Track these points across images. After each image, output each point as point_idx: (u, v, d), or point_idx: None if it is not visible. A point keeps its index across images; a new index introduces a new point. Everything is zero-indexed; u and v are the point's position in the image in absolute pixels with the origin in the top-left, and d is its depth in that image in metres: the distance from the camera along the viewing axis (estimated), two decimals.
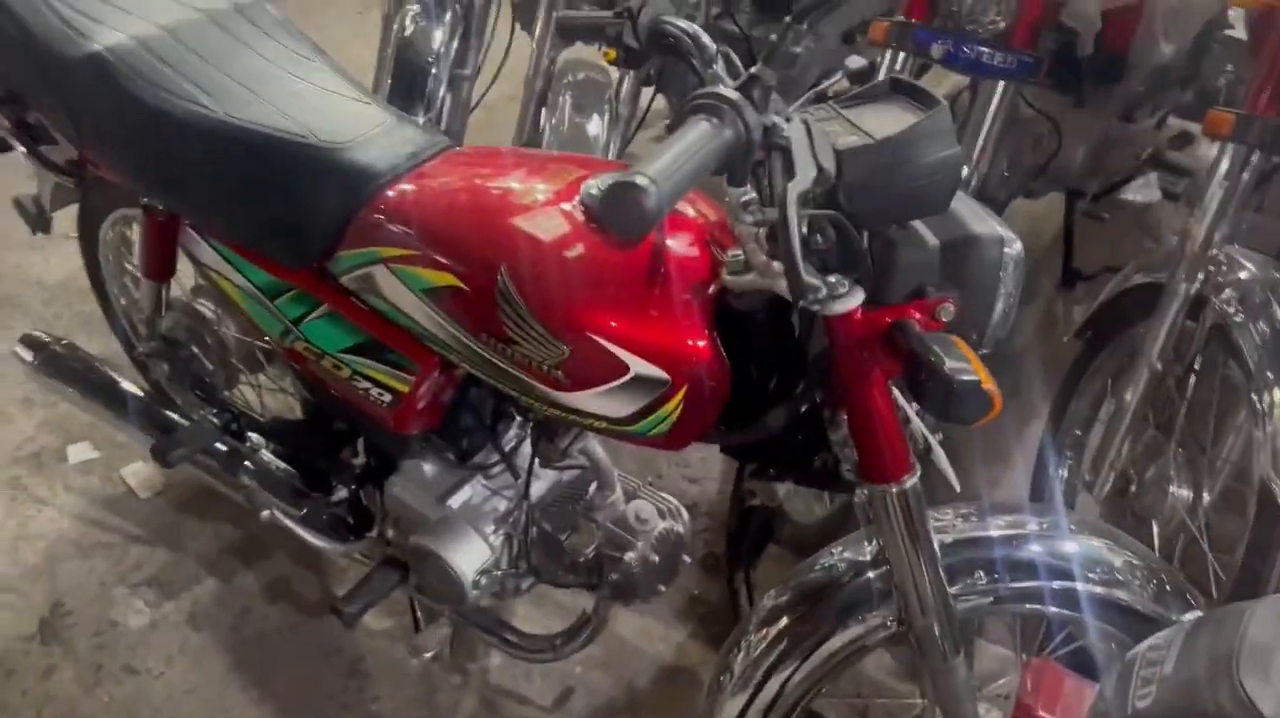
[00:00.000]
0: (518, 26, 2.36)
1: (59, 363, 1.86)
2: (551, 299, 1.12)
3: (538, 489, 1.48)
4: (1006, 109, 1.84)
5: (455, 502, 1.49)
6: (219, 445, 1.71)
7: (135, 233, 1.91)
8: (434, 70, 2.11)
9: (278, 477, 1.69)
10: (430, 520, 1.48)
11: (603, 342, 1.10)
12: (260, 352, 1.80)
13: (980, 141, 1.83)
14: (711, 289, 1.12)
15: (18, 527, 2.04)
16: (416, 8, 2.17)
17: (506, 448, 1.49)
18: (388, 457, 1.57)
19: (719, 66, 1.15)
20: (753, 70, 0.95)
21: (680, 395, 1.11)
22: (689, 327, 1.10)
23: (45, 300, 2.60)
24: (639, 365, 1.10)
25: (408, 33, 2.15)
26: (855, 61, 1.22)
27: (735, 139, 0.92)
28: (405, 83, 2.08)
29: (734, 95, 0.92)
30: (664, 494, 1.48)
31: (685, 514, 1.48)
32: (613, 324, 1.10)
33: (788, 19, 1.09)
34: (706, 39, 1.17)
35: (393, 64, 2.11)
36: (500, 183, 1.26)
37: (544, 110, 2.06)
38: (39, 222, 1.91)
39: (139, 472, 2.17)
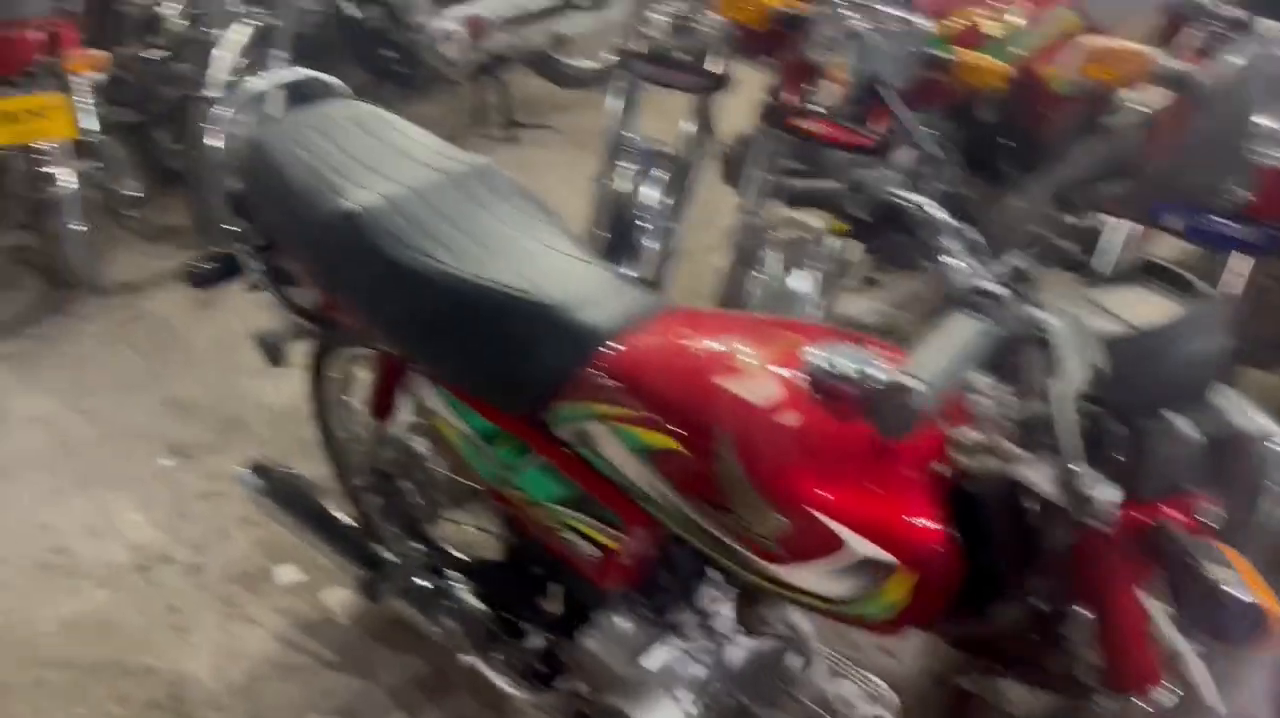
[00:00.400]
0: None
1: (282, 491, 1.96)
2: (772, 470, 1.10)
3: (735, 656, 1.44)
4: (1256, 285, 1.75)
5: (650, 662, 1.46)
6: (422, 583, 1.75)
7: (360, 372, 2.02)
8: (646, 224, 2.19)
9: (474, 617, 1.71)
10: (624, 680, 1.45)
11: (824, 517, 1.07)
12: (464, 490, 1.85)
13: None
14: (941, 468, 1.08)
15: (227, 644, 2.13)
16: (632, 168, 2.27)
17: (705, 609, 1.46)
18: (583, 607, 1.57)
19: (954, 243, 1.14)
20: (1015, 263, 0.93)
21: (904, 580, 1.05)
22: (917, 507, 1.06)
23: (268, 424, 2.77)
24: (862, 545, 1.05)
25: (624, 191, 2.24)
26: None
27: (1003, 336, 0.89)
28: (618, 235, 2.16)
29: (1001, 291, 0.90)
30: (870, 675, 1.40)
31: (894, 700, 1.39)
32: (836, 499, 1.07)
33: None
34: (938, 212, 1.16)
35: (607, 217, 2.20)
36: (720, 346, 1.26)
37: (747, 266, 2.09)
38: (276, 356, 2.05)
39: (340, 597, 2.23)
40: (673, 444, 1.18)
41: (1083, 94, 2.35)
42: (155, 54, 3.44)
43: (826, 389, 1.12)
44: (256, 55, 3.28)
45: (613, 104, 2.33)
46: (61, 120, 2.79)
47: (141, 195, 3.14)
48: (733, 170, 2.57)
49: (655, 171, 2.23)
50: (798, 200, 1.41)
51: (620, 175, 2.24)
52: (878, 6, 1.77)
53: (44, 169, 2.89)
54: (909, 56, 1.74)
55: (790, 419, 1.12)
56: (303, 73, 1.81)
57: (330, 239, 1.55)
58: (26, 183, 2.92)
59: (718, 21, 2.05)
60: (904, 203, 1.17)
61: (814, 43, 1.83)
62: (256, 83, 1.77)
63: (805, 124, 1.88)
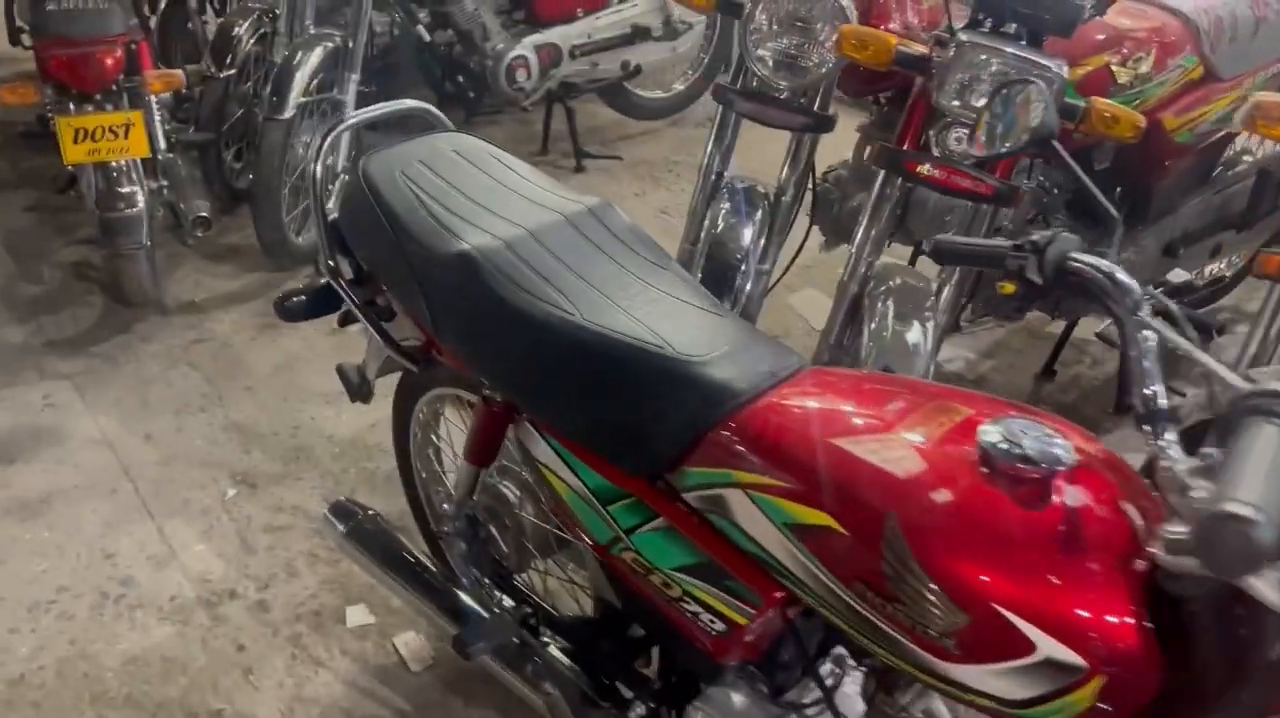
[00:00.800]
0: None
1: (365, 535, 1.88)
2: (952, 559, 1.01)
3: None
4: None
5: None
6: (512, 638, 1.67)
7: (449, 412, 1.95)
8: (743, 266, 2.11)
9: (566, 677, 1.62)
10: None
11: (1010, 615, 0.97)
12: (555, 540, 1.77)
13: None
14: (1138, 565, 0.98)
15: (295, 687, 2.05)
16: (727, 206, 2.19)
17: (830, 688, 1.36)
18: (691, 676, 1.48)
19: (1144, 312, 1.05)
20: None
21: (1094, 686, 0.96)
22: (1114, 607, 0.96)
23: (334, 455, 2.70)
24: (1050, 646, 0.96)
25: (719, 229, 2.16)
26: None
27: None
28: (715, 276, 2.09)
29: None
30: None
31: None
32: (1025, 596, 0.97)
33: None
34: (1126, 278, 1.07)
35: (703, 258, 2.12)
36: (873, 414, 1.18)
37: (855, 313, 2.00)
38: (361, 391, 1.98)
39: (411, 642, 2.15)
40: (828, 522, 1.09)
41: (1202, 145, 2.26)
42: (223, 72, 3.41)
43: (1006, 471, 1.03)
44: (329, 77, 3.25)
45: (711, 143, 2.25)
46: (137, 139, 2.76)
47: (209, 217, 3.10)
48: (824, 212, 2.50)
49: (755, 213, 2.15)
50: (954, 259, 1.32)
51: (720, 215, 2.16)
52: (1013, 50, 1.69)
53: (116, 188, 2.85)
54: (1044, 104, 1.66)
55: (968, 503, 1.03)
56: (408, 104, 1.75)
57: (441, 280, 1.48)
58: (97, 200, 2.88)
59: (828, 59, 1.97)
60: (1091, 270, 1.09)
61: (943, 87, 1.74)
62: (360, 113, 1.71)
63: (926, 170, 1.80)
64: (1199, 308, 2.51)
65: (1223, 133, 2.25)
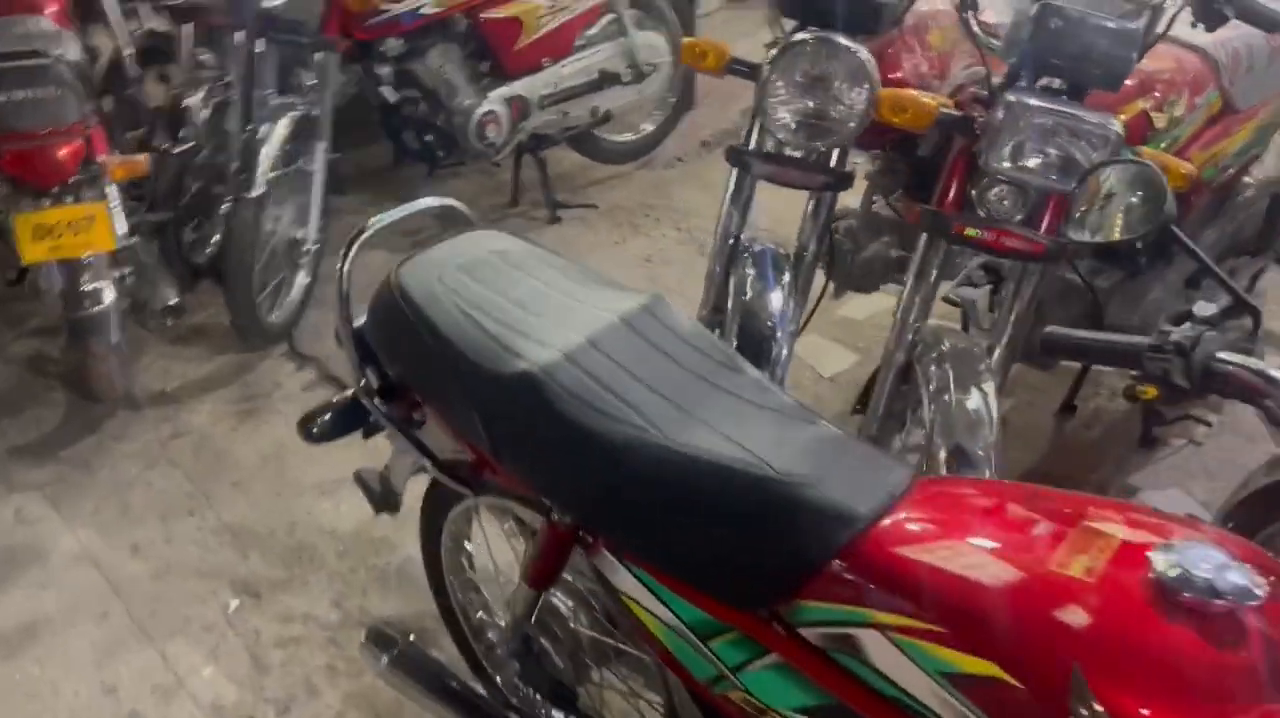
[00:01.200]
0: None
1: (409, 663, 1.75)
2: (1155, 714, 0.92)
3: None
4: None
5: None
6: None
7: (485, 517, 1.82)
8: (777, 333, 2.02)
9: None
10: None
11: None
12: (613, 652, 1.65)
13: None
14: None
15: None
16: (753, 272, 2.10)
17: None
18: None
19: None
20: None
21: None
22: None
23: (339, 553, 2.55)
24: None
25: (748, 297, 2.07)
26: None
27: None
28: (751, 348, 1.99)
29: None
30: None
31: None
32: None
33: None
34: None
35: (736, 328, 2.02)
36: (1021, 540, 1.08)
37: (902, 383, 1.92)
38: (387, 502, 1.84)
39: None
40: (995, 672, 0.99)
41: (1223, 180, 2.23)
42: (178, 147, 3.23)
43: (1191, 606, 0.94)
44: (296, 147, 3.10)
45: (727, 206, 2.15)
46: (101, 232, 2.58)
47: (180, 304, 2.93)
48: (839, 264, 2.42)
49: (777, 274, 2.06)
50: (1072, 354, 1.24)
51: (747, 282, 2.07)
52: (1068, 110, 1.62)
53: (81, 285, 2.66)
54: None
55: (1158, 647, 0.94)
56: (433, 202, 1.63)
57: (501, 402, 1.36)
58: (63, 300, 2.69)
59: (852, 118, 1.89)
60: (1244, 371, 1.01)
61: (994, 148, 1.67)
62: (386, 216, 1.58)
63: (975, 233, 1.72)
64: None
65: (1243, 165, 2.23)
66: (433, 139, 3.51)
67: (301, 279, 3.31)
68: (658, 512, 1.27)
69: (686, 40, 2.03)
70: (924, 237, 1.81)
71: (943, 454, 1.66)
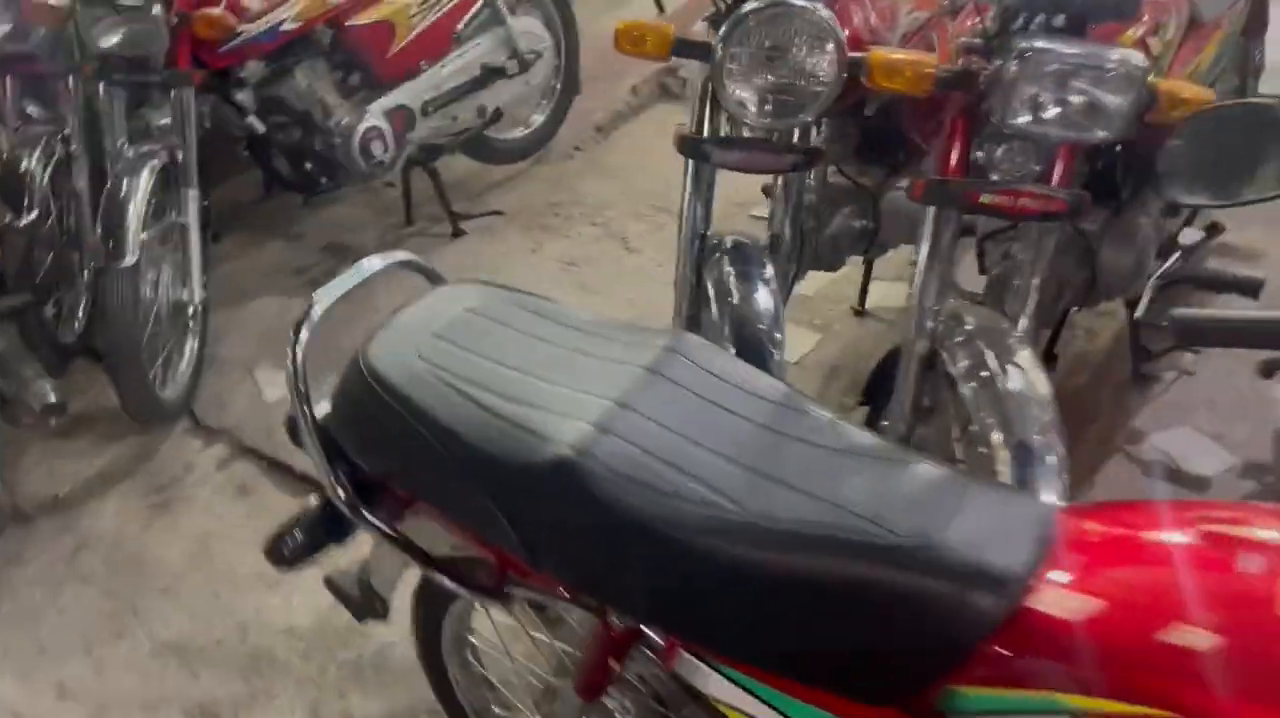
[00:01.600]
0: None
1: None
2: None
3: None
4: None
5: None
6: None
7: (490, 618, 1.56)
8: (776, 334, 1.82)
9: None
10: None
11: None
12: None
13: None
14: None
15: None
16: (731, 270, 1.89)
17: None
18: None
19: None
20: None
21: None
22: None
23: (303, 653, 2.25)
24: None
25: (734, 299, 1.87)
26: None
27: None
28: (753, 354, 1.78)
29: None
30: None
31: None
32: None
33: None
34: None
35: (730, 336, 1.81)
36: (1230, 571, 0.90)
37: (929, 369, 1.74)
38: (372, 609, 1.57)
39: None
40: None
41: None
42: (23, 219, 2.83)
43: None
44: (164, 200, 2.74)
45: (689, 203, 1.93)
46: None
47: (61, 401, 2.55)
48: (807, 248, 2.23)
49: (759, 270, 1.85)
50: (1211, 338, 1.06)
51: (720, 282, 1.85)
52: (1088, 49, 1.44)
53: None
54: (1129, 102, 1.43)
55: None
56: (389, 258, 1.35)
57: (529, 493, 1.11)
58: None
59: (821, 87, 1.68)
60: None
61: (1009, 105, 1.48)
62: (338, 284, 1.30)
63: (989, 198, 1.54)
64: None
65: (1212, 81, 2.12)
66: (312, 167, 3.17)
67: (191, 344, 2.95)
68: (751, 604, 1.05)
69: (621, 25, 1.79)
70: (930, 212, 1.62)
71: (999, 447, 1.49)
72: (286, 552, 1.36)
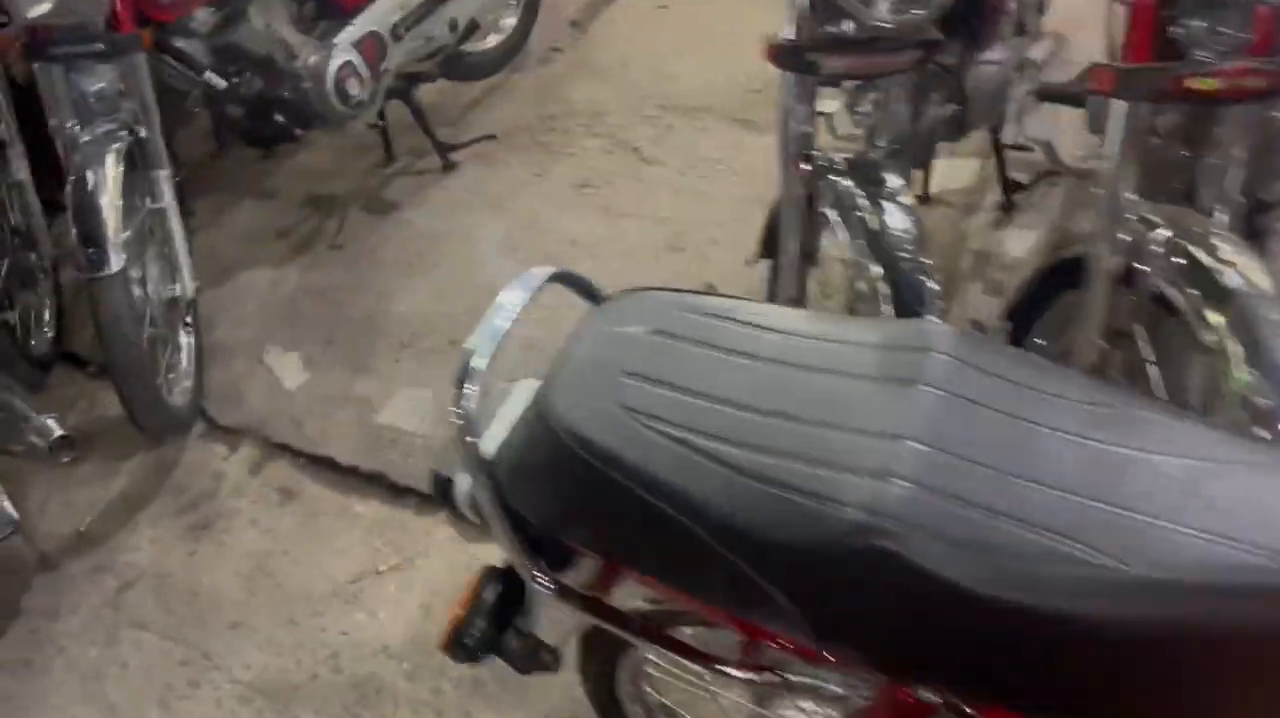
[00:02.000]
0: None
1: None
2: None
3: None
4: None
5: None
6: None
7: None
8: (937, 285, 1.60)
9: None
10: None
11: None
12: None
13: None
14: None
15: None
16: (862, 192, 1.64)
17: None
18: None
19: None
20: None
21: None
22: None
23: (408, 675, 2.04)
24: None
25: (879, 228, 1.65)
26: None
27: None
28: (913, 296, 1.57)
29: None
30: None
31: None
32: None
33: None
34: None
35: (884, 277, 1.58)
36: None
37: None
38: (539, 661, 1.35)
39: None
40: None
41: None
42: None
43: None
44: (135, 183, 2.38)
45: (792, 121, 1.66)
46: None
47: (69, 435, 2.24)
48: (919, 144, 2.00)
49: (889, 188, 1.62)
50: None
51: (844, 208, 1.62)
52: None
53: None
54: None
55: None
56: (539, 276, 1.07)
57: (824, 574, 0.89)
58: None
59: None
60: None
61: None
62: (488, 328, 1.02)
63: (1202, 83, 1.29)
64: None
65: None
66: (283, 118, 2.80)
67: (189, 340, 2.64)
68: (1141, 676, 0.85)
69: None
70: (1121, 108, 1.37)
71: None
72: (471, 642, 1.13)
